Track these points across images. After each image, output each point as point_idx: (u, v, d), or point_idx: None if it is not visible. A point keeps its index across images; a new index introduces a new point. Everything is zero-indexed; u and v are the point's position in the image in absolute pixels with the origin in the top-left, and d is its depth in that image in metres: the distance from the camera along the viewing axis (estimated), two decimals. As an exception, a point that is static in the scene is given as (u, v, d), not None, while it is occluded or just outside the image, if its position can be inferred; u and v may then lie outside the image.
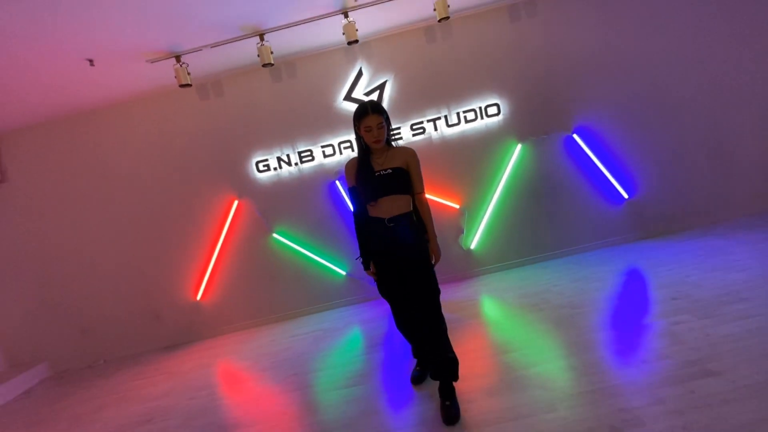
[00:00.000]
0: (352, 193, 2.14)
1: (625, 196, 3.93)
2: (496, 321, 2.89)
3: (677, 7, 3.79)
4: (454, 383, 2.07)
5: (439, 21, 3.16)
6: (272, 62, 3.19)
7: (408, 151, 2.11)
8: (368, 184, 2.04)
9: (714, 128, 3.89)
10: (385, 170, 2.03)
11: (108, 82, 3.43)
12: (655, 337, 2.24)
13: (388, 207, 2.04)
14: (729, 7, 3.78)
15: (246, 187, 4.02)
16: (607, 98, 3.88)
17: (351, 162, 2.15)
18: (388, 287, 2.16)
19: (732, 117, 3.88)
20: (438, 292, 2.04)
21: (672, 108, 3.88)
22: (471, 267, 4.04)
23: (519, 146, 3.93)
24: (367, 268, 2.18)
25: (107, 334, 4.16)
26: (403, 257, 2.04)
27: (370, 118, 2.00)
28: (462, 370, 2.19)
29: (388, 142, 2.12)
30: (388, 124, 2.08)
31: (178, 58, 3.21)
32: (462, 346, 2.60)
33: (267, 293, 4.11)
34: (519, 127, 3.92)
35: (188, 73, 3.24)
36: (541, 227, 4.00)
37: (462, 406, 1.99)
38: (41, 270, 4.10)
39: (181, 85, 3.23)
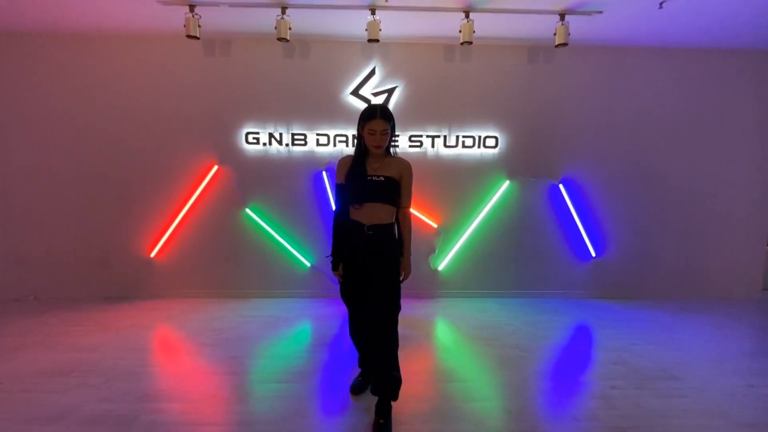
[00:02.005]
0: (338, 190, 2.11)
1: (593, 254, 4.08)
2: (447, 347, 2.91)
3: (682, 86, 3.98)
4: (393, 402, 2.06)
5: (461, 44, 3.17)
6: (288, 38, 3.11)
7: (404, 163, 2.09)
8: (357, 186, 2.01)
9: (690, 209, 4.10)
10: (378, 177, 2.01)
11: (114, 12, 3.24)
12: (590, 397, 2.31)
13: (371, 214, 2.01)
14: (731, 90, 4.01)
15: (229, 155, 3.89)
16: (598, 156, 4.02)
17: (345, 159, 2.11)
18: (352, 293, 2.13)
19: (709, 204, 4.10)
20: (398, 309, 2.03)
21: (656, 180, 4.06)
22: (435, 287, 4.07)
23: (507, 182, 4.00)
24: (335, 269, 2.15)
25: (44, 269, 3.91)
26: (374, 267, 2.01)
27: (377, 122, 1.97)
28: (403, 389, 2.18)
29: (388, 149, 2.10)
30: (393, 132, 2.06)
31: (192, 7, 3.07)
32: (409, 365, 2.60)
33: (226, 267, 3.98)
34: (511, 164, 3.99)
35: (198, 26, 3.11)
36: (509, 265, 4.08)
37: (395, 427, 1.98)
38: (-11, 187, 3.81)
39: (189, 36, 3.09)
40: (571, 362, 2.77)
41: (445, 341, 3.00)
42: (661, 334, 3.24)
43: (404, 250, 2.09)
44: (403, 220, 2.11)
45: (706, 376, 2.58)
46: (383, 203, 2.01)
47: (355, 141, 2.13)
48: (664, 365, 2.71)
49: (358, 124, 2.05)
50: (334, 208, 2.88)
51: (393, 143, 2.15)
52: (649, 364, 2.72)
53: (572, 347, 3.03)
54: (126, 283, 3.96)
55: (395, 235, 2.10)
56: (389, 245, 2.02)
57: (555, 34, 3.17)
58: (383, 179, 2.00)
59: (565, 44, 3.15)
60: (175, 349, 2.92)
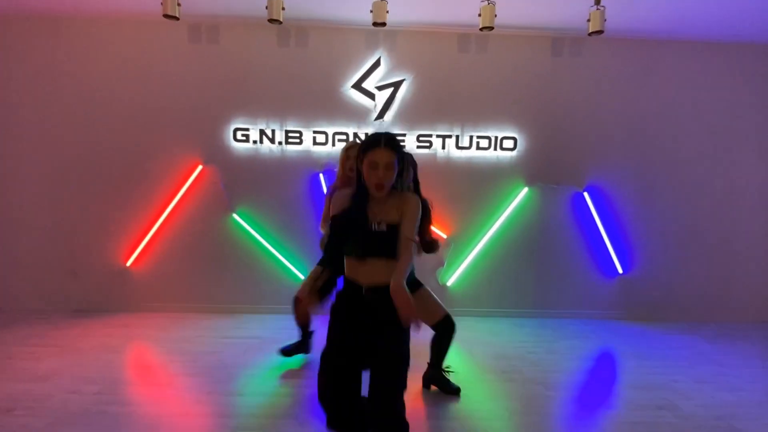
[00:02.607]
0: (332, 223, 1.63)
1: (620, 270, 3.65)
2: (459, 381, 2.48)
3: (724, 84, 3.56)
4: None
5: (481, 29, 2.76)
6: (281, 20, 2.70)
7: (406, 198, 1.59)
8: (355, 237, 1.56)
9: (729, 223, 3.67)
10: (379, 225, 1.55)
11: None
12: (638, 456, 1.89)
13: (372, 272, 1.55)
14: (772, 104, 3.59)
15: (216, 154, 3.47)
16: (628, 162, 3.60)
17: (342, 194, 1.64)
18: (337, 357, 1.60)
19: (748, 217, 3.67)
20: (407, 362, 1.58)
21: (691, 189, 3.64)
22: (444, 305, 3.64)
23: (525, 189, 3.58)
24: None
25: (8, 278, 3.51)
26: (372, 341, 1.55)
27: (380, 152, 1.50)
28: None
29: (394, 187, 1.60)
30: (402, 167, 1.58)
31: (170, -18, 2.66)
32: (412, 405, 2.17)
33: (210, 278, 3.56)
34: (531, 168, 3.57)
35: (178, 4, 2.69)
36: (526, 281, 3.66)
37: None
38: (-55, 185, 3.41)
39: (166, 15, 2.68)
40: (608, 405, 2.35)
41: (460, 375, 2.56)
42: (705, 368, 2.81)
43: (396, 274, 1.50)
44: (402, 250, 1.54)
45: (771, 426, 2.15)
46: (387, 259, 1.54)
47: (354, 175, 1.62)
48: (719, 411, 2.28)
49: (357, 156, 1.58)
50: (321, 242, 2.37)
51: (404, 182, 1.67)
52: (701, 410, 2.29)
53: (606, 384, 2.60)
54: (98, 294, 3.55)
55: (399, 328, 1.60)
56: (393, 312, 1.48)
57: (588, 20, 2.75)
58: (385, 229, 1.55)
59: (600, 32, 2.73)
60: (142, 380, 2.50)
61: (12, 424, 1.99)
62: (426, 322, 2.27)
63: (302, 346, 2.71)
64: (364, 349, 1.56)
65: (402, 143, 3.46)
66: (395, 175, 1.56)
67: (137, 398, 2.28)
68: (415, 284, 2.25)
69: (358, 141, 3.12)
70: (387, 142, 1.54)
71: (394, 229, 1.55)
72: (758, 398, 2.44)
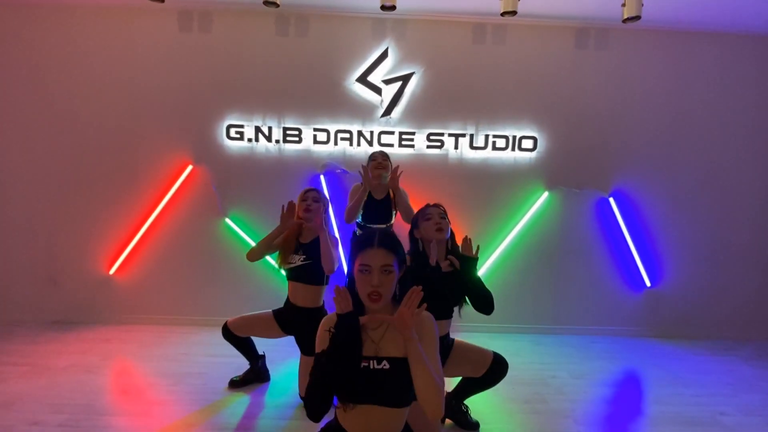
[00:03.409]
0: (315, 362, 1.20)
1: (648, 283, 3.34)
2: (479, 411, 2.17)
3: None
4: None
5: (502, 14, 2.46)
6: (278, 2, 2.40)
7: (421, 322, 1.22)
8: (345, 376, 1.17)
9: (766, 233, 3.35)
10: (380, 361, 1.18)
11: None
12: None
13: (365, 423, 1.20)
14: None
15: (207, 153, 3.19)
16: (658, 165, 3.29)
17: (331, 319, 1.23)
18: None
19: (789, 226, 3.36)
20: None
21: (727, 196, 3.32)
22: (454, 319, 3.33)
23: (546, 194, 3.27)
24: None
25: (-19, 287, 3.23)
26: None
27: (373, 253, 1.18)
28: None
29: (396, 299, 1.25)
30: (402, 269, 1.25)
31: (155, -39, 2.38)
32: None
33: (199, 288, 3.27)
34: (552, 171, 3.27)
35: (163, -15, 2.41)
36: (546, 294, 3.35)
37: None
38: None
39: (149, -2, 2.40)
40: (650, 444, 2.03)
41: (476, 404, 2.25)
42: (751, 398, 2.49)
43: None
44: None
45: None
46: (387, 407, 1.19)
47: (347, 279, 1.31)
48: (780, 454, 1.97)
49: (348, 261, 1.28)
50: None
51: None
52: (759, 451, 1.98)
53: (644, 418, 2.28)
54: (78, 304, 3.26)
55: None
56: None
57: (624, 5, 2.44)
58: (387, 366, 1.18)
59: (637, 17, 2.42)
60: (115, 411, 2.19)
61: (-43, 464, 1.70)
62: (475, 375, 1.98)
63: (255, 374, 2.42)
64: None
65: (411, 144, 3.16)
66: (395, 283, 1.21)
67: (107, 431, 1.99)
68: (445, 340, 1.92)
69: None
70: (382, 240, 1.21)
71: (400, 366, 1.16)
72: (820, 436, 2.12)
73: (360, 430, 1.21)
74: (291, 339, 2.34)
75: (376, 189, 2.70)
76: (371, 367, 1.18)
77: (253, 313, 2.35)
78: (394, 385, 1.17)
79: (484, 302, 1.89)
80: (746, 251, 3.37)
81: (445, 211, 1.94)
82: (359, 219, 2.77)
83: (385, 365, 1.18)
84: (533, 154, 3.26)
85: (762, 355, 3.11)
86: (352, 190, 2.79)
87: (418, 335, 1.17)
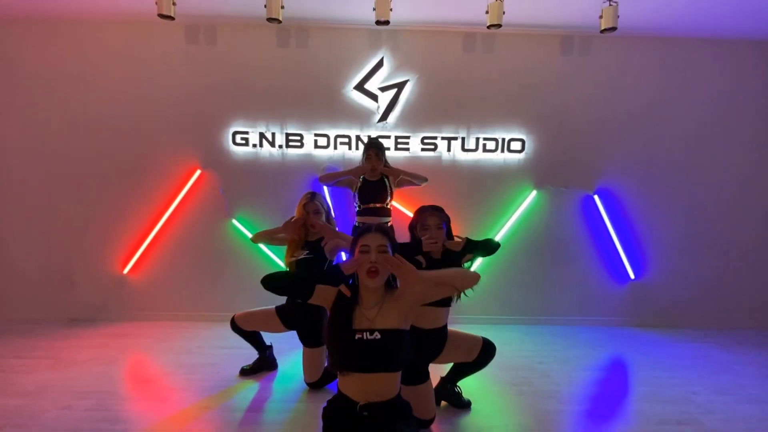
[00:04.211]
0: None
1: (632, 276, 3.54)
2: (470, 392, 2.37)
3: (742, 83, 3.44)
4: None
5: (489, 27, 2.65)
6: (280, 19, 2.60)
7: (407, 285, 1.47)
8: (341, 345, 1.42)
9: (747, 227, 3.55)
10: (372, 332, 1.41)
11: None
12: (661, 478, 1.78)
13: (363, 387, 1.42)
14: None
15: (214, 158, 3.38)
16: (640, 164, 3.48)
17: (329, 290, 1.50)
18: None
19: (764, 222, 3.55)
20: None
21: (706, 192, 3.52)
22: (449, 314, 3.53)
23: (534, 192, 3.47)
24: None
25: (4, 287, 3.42)
26: None
27: (371, 236, 1.47)
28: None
29: (389, 284, 1.53)
30: (394, 253, 1.49)
31: (166, -19, 2.57)
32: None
33: (210, 286, 3.47)
34: (539, 171, 3.46)
35: (173, 3, 2.60)
36: (535, 287, 3.55)
37: None
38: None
39: (161, 15, 2.59)
40: (628, 420, 2.23)
41: (468, 387, 2.45)
42: (725, 379, 2.69)
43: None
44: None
45: (800, 444, 2.03)
46: (381, 372, 1.41)
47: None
48: (742, 426, 2.16)
49: (350, 250, 1.55)
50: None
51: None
52: (723, 424, 2.17)
53: (622, 397, 2.48)
54: (94, 303, 3.45)
55: (406, 409, 1.51)
56: (396, 425, 1.40)
57: (601, 17, 2.64)
58: (379, 336, 1.40)
59: (613, 29, 2.62)
60: (137, 395, 2.39)
61: (-1, 443, 1.89)
62: (467, 360, 2.18)
63: (263, 363, 2.62)
64: None
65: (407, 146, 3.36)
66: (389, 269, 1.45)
67: (132, 414, 2.18)
68: (443, 331, 2.13)
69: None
70: (378, 227, 1.51)
71: (392, 336, 1.39)
72: (782, 412, 2.32)
73: (359, 395, 1.41)
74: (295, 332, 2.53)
75: (370, 173, 2.86)
76: (365, 338, 1.39)
77: (258, 309, 2.54)
78: (385, 352, 1.39)
79: (487, 251, 2.17)
80: (725, 244, 3.57)
81: (444, 216, 2.04)
82: (357, 201, 2.91)
83: (377, 336, 1.39)
84: (522, 156, 3.45)
85: (739, 342, 3.31)
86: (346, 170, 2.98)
87: (413, 281, 1.44)
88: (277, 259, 3.44)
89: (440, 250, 2.09)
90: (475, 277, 1.53)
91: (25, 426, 2.02)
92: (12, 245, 3.40)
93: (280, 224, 2.44)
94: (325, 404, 1.53)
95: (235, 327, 2.52)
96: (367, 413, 1.40)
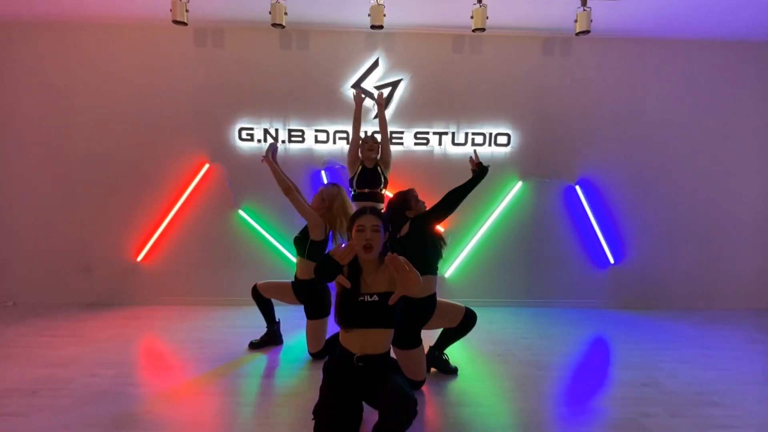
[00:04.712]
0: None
1: (612, 261, 3.80)
2: (458, 364, 2.63)
3: (710, 80, 3.70)
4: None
5: (473, 31, 2.90)
6: (283, 24, 2.85)
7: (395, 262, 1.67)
8: (346, 307, 1.70)
9: (717, 214, 3.82)
10: (371, 295, 1.69)
11: (92, -4, 2.99)
12: (621, 427, 2.03)
13: (363, 342, 1.69)
14: (764, 86, 3.72)
15: (222, 153, 3.63)
16: (618, 156, 3.74)
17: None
18: (329, 416, 1.63)
19: (738, 208, 3.82)
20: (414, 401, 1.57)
21: (680, 182, 3.78)
22: (441, 296, 3.77)
23: (519, 183, 3.72)
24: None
25: (26, 274, 3.66)
26: (363, 396, 1.72)
27: (366, 218, 1.72)
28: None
29: (382, 255, 1.75)
30: (386, 233, 1.76)
31: (179, -10, 2.81)
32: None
33: (217, 272, 3.72)
34: (524, 163, 3.72)
35: (186, 10, 2.85)
36: (521, 272, 3.80)
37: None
38: (-36, 185, 3.56)
39: (175, 21, 2.83)
40: (596, 383, 2.49)
41: (456, 357, 2.71)
42: (690, 350, 2.95)
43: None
44: None
45: (749, 401, 2.29)
46: (378, 328, 1.70)
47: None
48: (701, 388, 2.42)
49: (348, 229, 1.81)
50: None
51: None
52: (683, 386, 2.43)
53: (595, 365, 2.74)
54: (110, 289, 3.70)
55: (395, 364, 1.80)
56: (384, 373, 1.67)
57: (576, 21, 2.89)
58: (377, 298, 1.68)
59: (587, 32, 2.87)
60: (156, 366, 2.64)
61: (39, 404, 2.13)
62: (452, 326, 2.43)
63: (271, 337, 2.87)
64: (353, 410, 1.69)
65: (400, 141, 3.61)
66: (382, 241, 1.72)
67: (152, 380, 2.43)
68: (432, 298, 2.36)
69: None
70: (372, 210, 1.76)
71: (385, 297, 1.65)
72: (738, 376, 2.58)
73: (358, 347, 1.68)
74: (299, 311, 2.79)
75: (368, 161, 3.10)
76: (365, 300, 1.67)
77: (277, 281, 2.83)
78: (381, 311, 1.66)
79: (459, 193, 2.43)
80: (697, 232, 3.83)
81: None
82: (354, 186, 3.13)
83: (375, 298, 1.67)
84: (508, 149, 3.70)
85: (708, 321, 3.57)
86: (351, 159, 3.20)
87: (412, 288, 1.62)
88: (280, 246, 3.68)
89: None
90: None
91: (59, 390, 2.26)
92: (34, 235, 3.63)
93: (284, 215, 2.70)
94: (326, 361, 1.79)
95: (256, 294, 2.79)
96: (362, 364, 1.66)
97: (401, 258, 1.51)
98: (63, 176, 3.60)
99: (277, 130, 3.62)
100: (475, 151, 2.60)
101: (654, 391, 2.37)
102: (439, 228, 3.65)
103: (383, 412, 1.53)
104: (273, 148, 2.82)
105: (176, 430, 1.94)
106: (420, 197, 2.51)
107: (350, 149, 3.18)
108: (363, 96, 3.17)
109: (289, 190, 2.71)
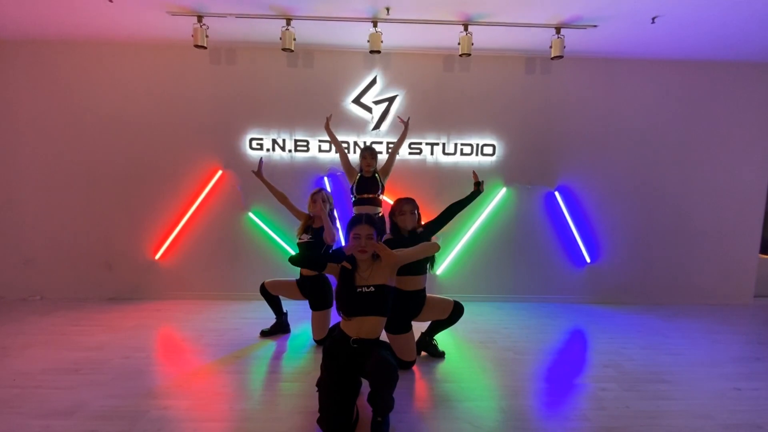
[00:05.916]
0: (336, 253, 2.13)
1: (588, 260, 4.17)
2: (445, 349, 2.99)
3: (676, 97, 4.09)
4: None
5: (460, 56, 3.28)
6: (293, 48, 3.22)
7: (388, 254, 2.03)
8: (345, 298, 2.04)
9: (683, 217, 4.20)
10: (368, 287, 2.02)
11: (124, 21, 3.35)
12: (581, 398, 2.40)
13: (359, 327, 2.02)
14: (723, 101, 4.12)
15: (234, 160, 3.99)
16: (593, 165, 4.12)
17: (334, 266, 2.15)
18: (329, 390, 1.97)
19: (702, 212, 4.20)
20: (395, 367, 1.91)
21: (650, 188, 4.16)
22: (432, 291, 4.13)
23: (504, 189, 4.09)
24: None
25: (52, 270, 4.00)
26: (359, 371, 2.04)
27: (361, 227, 2.06)
28: (401, 389, 2.26)
29: (375, 255, 2.12)
30: (379, 238, 2.12)
31: (200, 18, 3.18)
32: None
33: (228, 269, 4.07)
34: (508, 171, 4.09)
35: (206, 36, 3.21)
36: (505, 270, 4.17)
37: (392, 425, 2.06)
38: (-1, 189, 3.91)
39: (197, 46, 3.19)
40: (564, 365, 2.85)
41: (442, 343, 3.08)
42: (652, 339, 3.32)
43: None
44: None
45: (694, 379, 2.66)
46: (373, 316, 2.02)
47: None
48: (654, 368, 2.79)
49: (345, 234, 2.23)
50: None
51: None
52: (640, 367, 2.81)
53: (565, 350, 3.11)
54: (131, 284, 4.04)
55: (385, 344, 2.15)
56: (375, 352, 1.97)
57: (551, 47, 3.27)
58: (373, 290, 2.01)
59: (560, 56, 3.26)
60: (179, 349, 3.00)
61: (82, 379, 2.48)
62: (443, 318, 2.77)
63: (280, 326, 3.23)
64: (351, 382, 2.03)
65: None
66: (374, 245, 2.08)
67: (179, 360, 2.78)
68: (422, 294, 2.71)
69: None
70: (367, 219, 2.10)
71: (381, 289, 2.01)
72: (693, 359, 2.95)
73: (355, 333, 2.04)
74: (304, 304, 3.14)
75: (366, 172, 3.45)
76: (363, 291, 2.02)
77: (283, 279, 3.17)
78: (377, 301, 2.02)
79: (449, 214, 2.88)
80: (667, 233, 4.21)
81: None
82: (354, 192, 3.45)
83: (371, 289, 2.02)
84: (493, 158, 4.08)
85: (675, 314, 3.94)
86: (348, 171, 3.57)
87: (390, 260, 2.04)
88: (286, 246, 4.04)
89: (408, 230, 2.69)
90: (435, 247, 2.18)
91: (98, 368, 2.61)
92: (61, 235, 3.98)
93: (289, 218, 3.08)
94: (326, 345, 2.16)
95: (264, 291, 3.14)
96: (357, 345, 2.02)
97: (381, 244, 2.02)
98: (89, 180, 3.94)
99: (284, 140, 3.98)
100: (474, 172, 3.10)
101: (613, 371, 2.74)
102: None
103: (371, 378, 1.89)
104: (260, 162, 3.26)
105: (204, 398, 2.30)
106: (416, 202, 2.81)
107: (342, 164, 3.55)
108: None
109: (284, 198, 3.19)
